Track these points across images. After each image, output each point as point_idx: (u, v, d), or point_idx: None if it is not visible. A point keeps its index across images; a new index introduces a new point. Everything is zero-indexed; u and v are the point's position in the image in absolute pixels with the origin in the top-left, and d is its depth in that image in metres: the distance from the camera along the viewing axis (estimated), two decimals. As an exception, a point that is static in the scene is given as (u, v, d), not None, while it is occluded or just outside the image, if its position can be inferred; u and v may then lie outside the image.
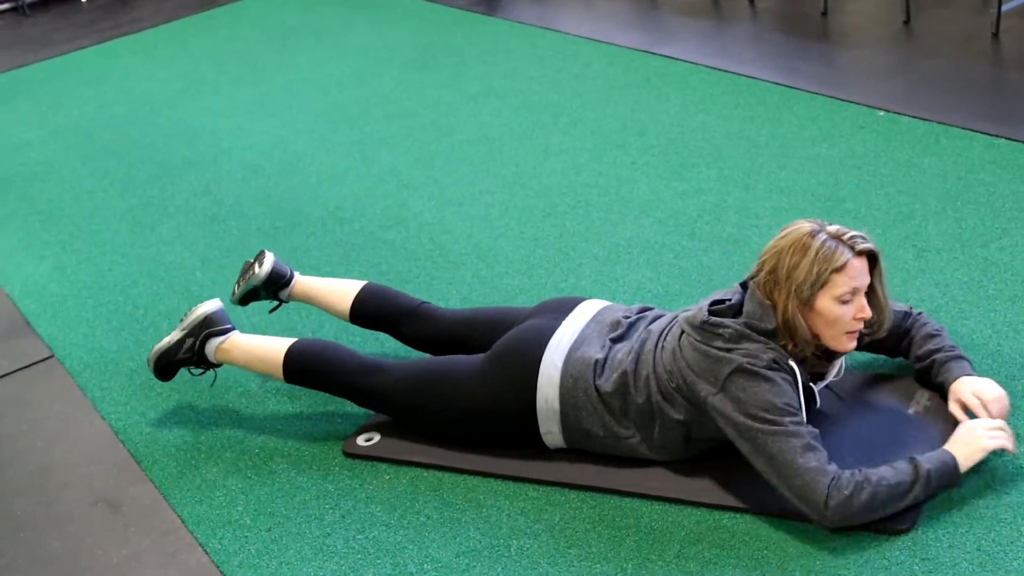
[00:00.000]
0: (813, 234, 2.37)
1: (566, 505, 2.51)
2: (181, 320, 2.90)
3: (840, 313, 2.36)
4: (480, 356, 2.68)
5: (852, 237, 2.37)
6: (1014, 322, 2.87)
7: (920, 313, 2.64)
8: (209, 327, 2.86)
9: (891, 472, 2.27)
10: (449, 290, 3.40)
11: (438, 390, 2.66)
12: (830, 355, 2.46)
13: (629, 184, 3.89)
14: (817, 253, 2.34)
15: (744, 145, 4.03)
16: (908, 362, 2.65)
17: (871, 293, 2.43)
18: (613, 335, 2.61)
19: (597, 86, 4.73)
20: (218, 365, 2.90)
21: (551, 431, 2.59)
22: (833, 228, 2.39)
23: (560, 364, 2.57)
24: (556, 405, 2.56)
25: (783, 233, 2.42)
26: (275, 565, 2.46)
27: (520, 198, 3.90)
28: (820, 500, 2.24)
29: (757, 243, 3.41)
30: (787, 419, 2.29)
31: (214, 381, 2.95)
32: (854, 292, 2.36)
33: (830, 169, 3.78)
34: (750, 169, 3.86)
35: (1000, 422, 2.37)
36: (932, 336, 2.59)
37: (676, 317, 2.58)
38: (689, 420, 2.45)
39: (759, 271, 2.42)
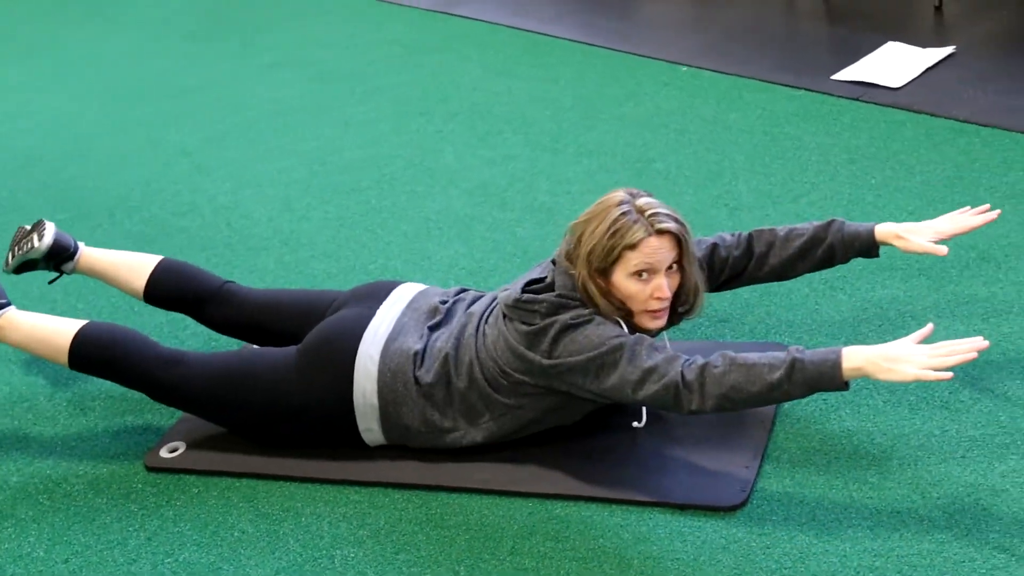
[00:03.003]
0: (620, 204, 2.28)
1: (391, 507, 2.37)
2: None
3: (635, 290, 2.28)
4: (292, 349, 2.52)
5: (655, 214, 2.26)
6: (829, 279, 2.86)
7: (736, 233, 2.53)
8: None
9: (758, 355, 2.16)
10: (251, 279, 3.20)
11: (247, 386, 2.49)
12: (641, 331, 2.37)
13: (435, 154, 3.75)
14: (613, 225, 2.25)
15: (550, 107, 3.94)
16: (771, 270, 2.49)
17: (680, 274, 2.33)
18: (431, 323, 2.48)
19: (394, 51, 4.56)
20: None
21: (370, 428, 2.45)
22: (642, 201, 2.29)
23: (377, 357, 2.43)
24: (375, 400, 2.42)
25: (598, 201, 2.33)
26: (76, 600, 2.26)
27: (321, 175, 3.71)
28: (677, 381, 2.16)
29: (569, 210, 3.32)
30: (624, 338, 2.24)
31: None
32: (650, 270, 2.28)
33: (637, 129, 3.73)
34: (558, 133, 3.77)
35: (948, 348, 2.07)
36: (792, 229, 2.48)
37: (496, 298, 2.46)
38: (520, 405, 2.35)
39: (571, 236, 2.33)
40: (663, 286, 2.29)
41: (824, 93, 3.78)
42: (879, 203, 3.16)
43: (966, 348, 2.08)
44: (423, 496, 2.38)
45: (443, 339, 2.43)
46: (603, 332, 2.25)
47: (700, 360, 2.19)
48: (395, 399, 2.40)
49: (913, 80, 3.79)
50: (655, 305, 2.30)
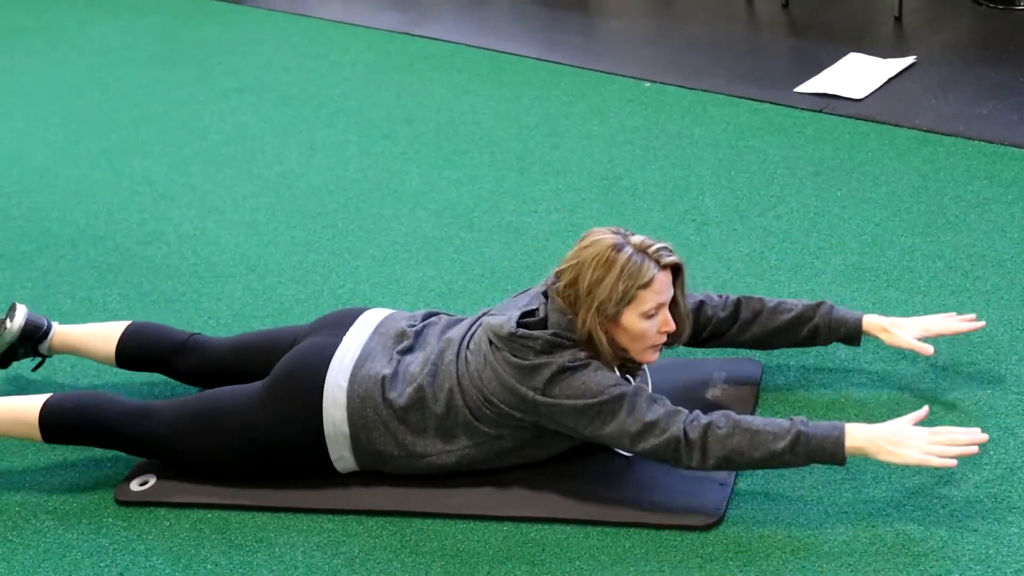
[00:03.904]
0: (617, 248, 2.27)
1: (365, 535, 2.35)
2: None
3: (645, 328, 2.29)
4: (258, 384, 2.50)
5: (658, 250, 2.28)
6: (797, 292, 2.86)
7: (726, 296, 2.54)
8: None
9: (762, 420, 2.19)
10: (219, 306, 3.18)
11: (217, 425, 2.47)
12: (635, 364, 2.38)
13: (401, 176, 3.74)
14: (623, 269, 2.24)
15: (515, 126, 3.93)
16: (752, 337, 2.50)
17: (673, 304, 2.35)
18: (400, 347, 2.46)
19: (358, 73, 4.55)
20: None
21: (343, 456, 2.43)
22: (637, 240, 2.29)
23: (345, 384, 2.41)
24: (345, 428, 2.40)
25: (584, 243, 2.31)
26: (48, 639, 2.22)
27: (287, 200, 3.69)
28: (679, 437, 2.18)
29: (536, 230, 3.33)
30: (624, 387, 2.24)
31: None
32: (659, 307, 2.29)
33: (603, 146, 3.73)
34: (523, 151, 3.77)
35: (949, 437, 2.15)
36: (781, 303, 2.50)
37: (475, 323, 2.45)
38: (500, 435, 2.34)
39: (558, 280, 2.31)
40: (669, 320, 2.32)
41: (788, 106, 3.80)
42: (845, 215, 3.17)
43: (967, 440, 2.14)
44: (397, 523, 2.36)
45: (417, 364, 2.41)
46: (602, 380, 2.25)
47: (703, 419, 2.20)
48: (365, 425, 2.39)
49: (875, 91, 3.81)
50: (660, 340, 2.33)
